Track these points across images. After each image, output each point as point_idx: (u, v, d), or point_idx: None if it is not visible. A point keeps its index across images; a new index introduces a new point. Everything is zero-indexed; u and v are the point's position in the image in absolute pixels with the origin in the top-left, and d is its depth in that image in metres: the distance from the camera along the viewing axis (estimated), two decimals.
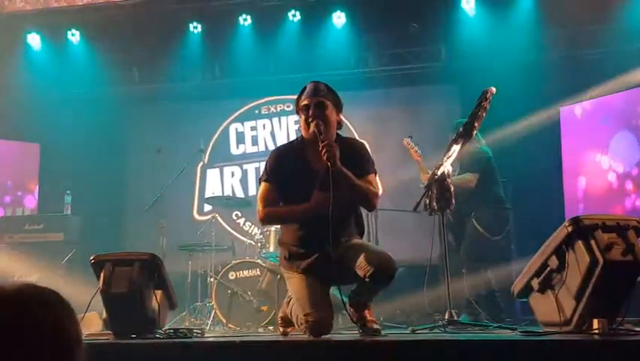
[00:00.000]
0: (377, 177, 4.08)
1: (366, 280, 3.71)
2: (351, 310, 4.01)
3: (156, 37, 8.68)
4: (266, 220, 4.10)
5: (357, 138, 6.84)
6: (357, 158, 3.97)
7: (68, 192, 8.05)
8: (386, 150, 6.73)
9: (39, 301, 1.25)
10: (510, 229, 6.07)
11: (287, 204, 3.99)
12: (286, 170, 3.95)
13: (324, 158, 3.68)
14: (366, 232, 4.38)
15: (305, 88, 4.03)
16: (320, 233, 3.73)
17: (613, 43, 7.51)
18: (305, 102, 3.92)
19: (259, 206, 3.99)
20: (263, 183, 4.01)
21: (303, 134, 3.98)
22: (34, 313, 1.22)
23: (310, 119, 3.85)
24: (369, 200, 3.95)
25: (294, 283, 3.93)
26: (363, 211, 4.22)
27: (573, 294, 3.31)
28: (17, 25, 8.43)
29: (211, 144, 8.88)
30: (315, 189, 3.83)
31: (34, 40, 8.63)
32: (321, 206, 3.70)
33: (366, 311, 3.99)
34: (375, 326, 3.93)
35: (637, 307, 3.49)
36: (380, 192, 4.10)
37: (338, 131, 4.04)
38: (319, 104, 3.89)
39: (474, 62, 7.96)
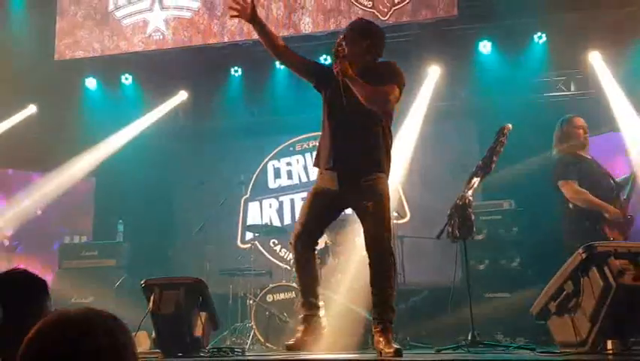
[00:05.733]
0: (399, 89, 3.80)
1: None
2: (375, 329, 3.66)
3: (200, 81, 8.83)
4: None
5: None
6: (382, 72, 3.88)
7: (121, 221, 8.18)
8: (407, 180, 6.79)
9: (101, 324, 1.28)
10: None
11: None
12: None
13: (337, 72, 3.65)
14: None
15: None
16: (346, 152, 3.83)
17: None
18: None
19: None
20: None
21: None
22: (96, 337, 1.24)
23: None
24: (379, 99, 3.70)
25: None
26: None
27: (588, 316, 3.28)
28: (76, 71, 8.63)
29: (252, 180, 8.95)
30: None
31: (91, 83, 8.84)
32: None
33: (382, 338, 3.57)
34: (388, 350, 3.49)
35: None
36: (394, 101, 3.79)
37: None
38: (337, 45, 3.70)
39: (491, 100, 7.93)
